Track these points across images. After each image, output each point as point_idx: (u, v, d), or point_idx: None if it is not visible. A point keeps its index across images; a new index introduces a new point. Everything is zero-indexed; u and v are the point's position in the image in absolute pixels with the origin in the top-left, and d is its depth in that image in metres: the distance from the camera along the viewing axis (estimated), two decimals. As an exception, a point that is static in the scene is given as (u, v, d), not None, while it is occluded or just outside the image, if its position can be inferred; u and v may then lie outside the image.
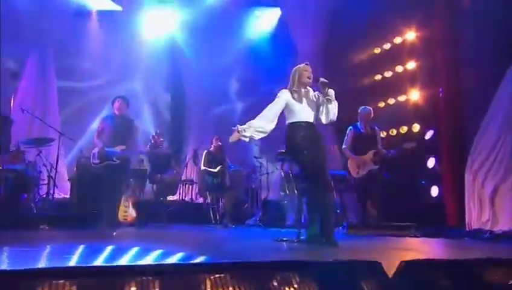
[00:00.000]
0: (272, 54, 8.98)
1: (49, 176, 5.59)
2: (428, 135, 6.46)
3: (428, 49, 6.71)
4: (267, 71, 8.74)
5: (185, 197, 7.96)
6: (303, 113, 3.52)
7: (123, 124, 5.17)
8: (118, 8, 8.93)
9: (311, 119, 3.54)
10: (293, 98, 3.52)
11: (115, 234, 4.38)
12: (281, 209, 6.45)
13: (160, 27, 9.28)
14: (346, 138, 5.52)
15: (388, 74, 7.47)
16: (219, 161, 6.31)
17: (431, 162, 6.40)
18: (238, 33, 9.21)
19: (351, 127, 5.54)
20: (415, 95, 6.91)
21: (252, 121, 3.38)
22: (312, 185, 3.45)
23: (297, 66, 3.60)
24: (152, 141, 6.14)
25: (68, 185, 6.07)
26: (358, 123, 5.52)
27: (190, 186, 7.91)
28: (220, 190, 6.21)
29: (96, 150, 5.03)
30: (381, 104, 7.54)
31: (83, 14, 8.69)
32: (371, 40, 7.63)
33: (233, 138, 3.35)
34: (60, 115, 7.91)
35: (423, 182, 6.53)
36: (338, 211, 5.84)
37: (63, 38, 8.08)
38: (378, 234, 4.80)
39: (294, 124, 3.51)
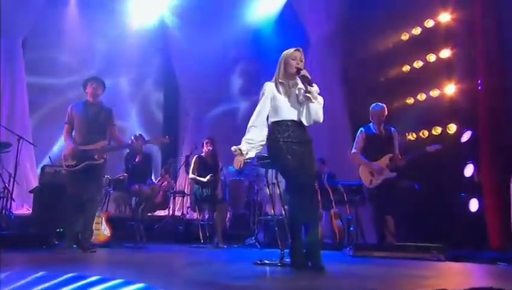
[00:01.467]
0: (278, 43, 8.72)
1: (4, 188, 5.46)
2: (466, 137, 6.11)
3: (466, 35, 6.41)
4: (273, 64, 8.49)
5: (176, 211, 7.79)
6: (289, 110, 3.37)
7: (100, 113, 4.76)
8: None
9: (297, 118, 3.38)
10: (278, 91, 3.39)
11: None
12: (283, 227, 6.18)
13: (149, 13, 9.21)
14: (356, 140, 5.31)
15: (418, 64, 7.23)
16: (211, 168, 6.08)
17: (469, 170, 6.01)
18: (238, 19, 9.01)
19: (361, 129, 5.33)
20: (450, 90, 6.57)
21: (246, 137, 3.32)
22: (294, 196, 3.27)
23: (285, 52, 3.42)
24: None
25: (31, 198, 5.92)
26: (371, 124, 5.29)
27: (182, 199, 7.74)
28: (210, 203, 5.96)
29: (68, 150, 4.65)
30: (410, 101, 7.29)
31: (59, -1, 8.68)
32: (397, 24, 7.41)
33: (237, 163, 3.29)
34: (30, 116, 7.80)
35: (463, 194, 6.17)
36: (352, 228, 5.69)
37: (34, 27, 8.01)
38: (391, 257, 4.50)
39: (277, 124, 3.36)
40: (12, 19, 7.53)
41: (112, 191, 6.69)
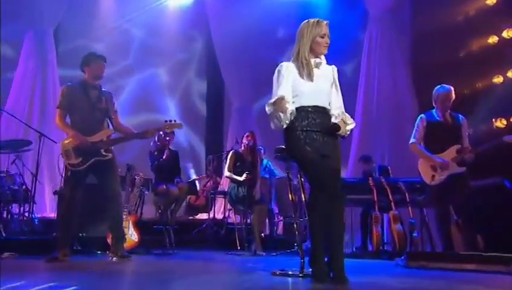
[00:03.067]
0: (333, 19, 8.54)
1: (26, 190, 5.80)
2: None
3: None
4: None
5: (219, 214, 7.90)
6: (311, 94, 3.25)
7: (101, 98, 4.55)
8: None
9: (321, 103, 3.26)
10: (300, 74, 3.26)
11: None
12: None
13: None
14: (415, 128, 5.08)
15: (509, 34, 6.96)
16: (248, 166, 6.08)
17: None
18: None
19: (422, 115, 5.11)
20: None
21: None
22: (315, 195, 3.16)
23: (308, 25, 3.28)
24: (157, 141, 6.15)
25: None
26: (434, 110, 5.06)
27: (224, 200, 7.85)
28: (247, 204, 5.95)
29: (70, 143, 4.39)
30: (498, 79, 7.02)
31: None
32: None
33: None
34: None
35: None
36: (415, 234, 5.50)
37: (65, 14, 8.44)
38: (453, 269, 4.17)
39: (296, 110, 3.23)
40: (41, 8, 8.03)
41: (147, 192, 6.92)
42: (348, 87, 8.40)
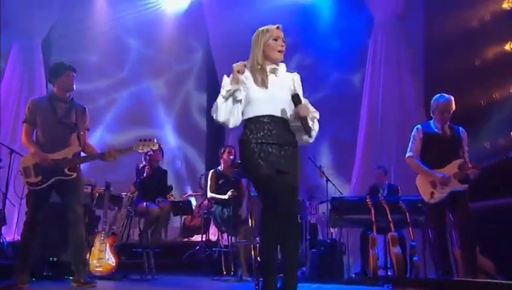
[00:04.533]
0: (338, 25, 8.71)
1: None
2: None
3: None
4: (333, 53, 8.73)
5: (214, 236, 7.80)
6: (266, 103, 3.15)
7: (70, 111, 4.46)
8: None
9: (278, 113, 3.15)
10: (254, 80, 3.19)
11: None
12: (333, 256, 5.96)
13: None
14: (411, 140, 4.95)
15: None
16: (232, 183, 5.98)
17: None
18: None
19: (418, 126, 4.98)
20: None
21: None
22: (268, 215, 3.01)
23: (262, 30, 3.24)
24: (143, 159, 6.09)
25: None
26: (432, 121, 4.92)
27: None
28: (232, 225, 5.84)
29: (29, 159, 4.31)
30: None
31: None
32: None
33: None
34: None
35: None
36: (415, 258, 5.35)
37: (54, 24, 8.50)
38: None
39: (250, 121, 3.16)
40: (30, 18, 8.10)
41: (133, 214, 6.81)
42: (357, 100, 8.39)
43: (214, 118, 3.12)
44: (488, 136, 6.43)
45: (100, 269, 5.45)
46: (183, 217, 8.65)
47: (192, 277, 6.19)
